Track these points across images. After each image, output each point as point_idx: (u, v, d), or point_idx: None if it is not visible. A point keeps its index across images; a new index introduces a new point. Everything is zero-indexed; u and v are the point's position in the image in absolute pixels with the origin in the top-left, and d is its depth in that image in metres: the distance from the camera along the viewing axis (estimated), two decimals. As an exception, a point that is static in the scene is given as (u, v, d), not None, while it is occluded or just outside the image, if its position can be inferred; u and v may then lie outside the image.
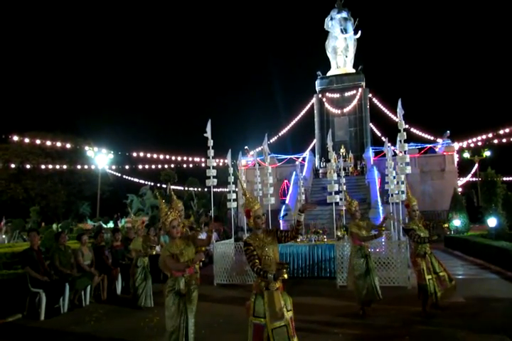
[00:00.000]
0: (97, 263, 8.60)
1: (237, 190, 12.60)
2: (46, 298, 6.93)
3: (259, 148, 23.21)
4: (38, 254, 7.31)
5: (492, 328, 5.59)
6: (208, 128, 10.50)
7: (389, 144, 13.71)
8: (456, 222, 15.75)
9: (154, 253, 8.61)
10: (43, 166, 31.84)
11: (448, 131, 23.93)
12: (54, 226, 24.88)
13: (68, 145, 27.87)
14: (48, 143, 26.42)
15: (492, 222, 12.96)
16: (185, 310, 4.23)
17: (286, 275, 3.68)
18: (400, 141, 9.66)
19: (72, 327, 6.31)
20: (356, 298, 6.46)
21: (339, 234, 10.31)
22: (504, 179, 23.98)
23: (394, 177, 12.03)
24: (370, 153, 24.11)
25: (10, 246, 13.19)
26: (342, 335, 5.44)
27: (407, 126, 13.15)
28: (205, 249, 4.50)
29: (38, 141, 26.17)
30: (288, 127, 30.35)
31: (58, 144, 27.04)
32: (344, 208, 12.73)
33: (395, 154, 13.71)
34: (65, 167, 32.23)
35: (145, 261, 7.84)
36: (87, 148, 33.31)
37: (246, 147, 25.94)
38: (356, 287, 6.40)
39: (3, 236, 20.27)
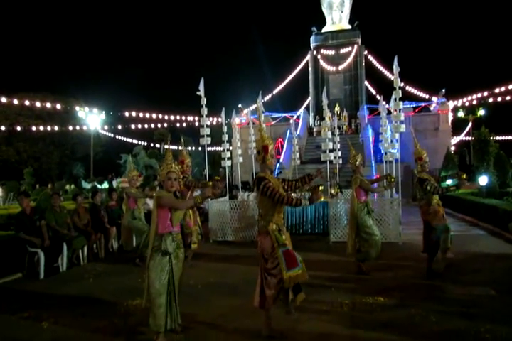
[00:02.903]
0: (94, 222, 8.69)
1: (231, 148, 12.56)
2: (45, 258, 7.03)
3: (253, 107, 22.99)
4: (30, 218, 7.27)
5: (479, 282, 5.78)
6: (201, 87, 10.31)
7: (384, 102, 13.58)
8: (448, 181, 15.92)
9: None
10: (33, 128, 31.41)
11: (443, 90, 23.69)
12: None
13: (58, 106, 27.32)
14: (38, 104, 25.88)
15: (483, 180, 13.12)
16: (171, 272, 3.91)
17: (323, 198, 3.69)
18: (395, 99, 9.55)
19: (72, 284, 6.46)
20: (367, 255, 6.34)
21: (333, 191, 10.40)
22: (497, 138, 24.04)
23: (388, 136, 12.02)
24: (364, 111, 23.96)
25: (5, 208, 13.28)
26: (334, 289, 5.60)
27: (402, 84, 13.00)
28: (210, 184, 4.21)
29: (27, 103, 25.64)
30: (282, 85, 29.91)
31: (48, 105, 26.49)
32: (338, 166, 12.84)
33: (390, 112, 13.63)
34: (56, 128, 31.78)
35: (140, 211, 7.73)
36: (77, 108, 32.75)
37: (240, 105, 25.64)
38: (370, 244, 6.28)
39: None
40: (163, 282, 3.85)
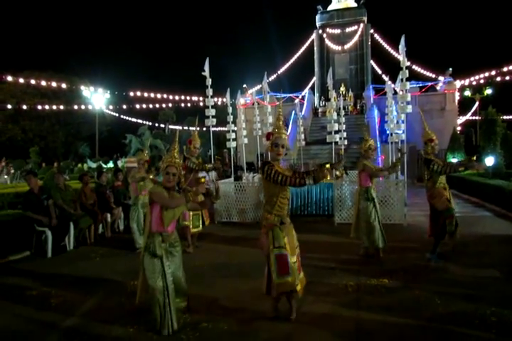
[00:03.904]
0: (100, 202, 8.69)
1: (235, 129, 12.47)
2: (52, 236, 7.09)
3: (258, 87, 22.72)
4: (38, 197, 7.31)
5: (484, 264, 5.75)
6: (206, 67, 10.15)
7: (390, 82, 13.37)
8: (454, 161, 15.79)
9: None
10: (39, 107, 31.34)
11: (450, 69, 23.32)
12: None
13: (64, 85, 27.25)
14: (43, 83, 25.79)
15: (489, 160, 12.97)
16: (164, 274, 3.75)
17: (329, 177, 3.45)
18: (402, 80, 9.37)
19: (79, 263, 6.52)
20: (367, 243, 6.26)
21: (337, 173, 10.32)
22: (504, 117, 23.74)
23: (394, 117, 11.86)
24: (370, 91, 23.66)
25: (13, 186, 13.30)
26: (339, 270, 5.60)
27: (408, 63, 12.74)
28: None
29: (33, 81, 25.57)
30: (287, 65, 29.53)
31: (54, 84, 26.41)
32: (343, 147, 12.73)
33: (396, 92, 13.40)
34: (61, 107, 31.72)
35: (141, 199, 7.37)
36: (83, 87, 32.57)
37: (245, 85, 25.38)
38: (368, 232, 6.19)
39: (6, 176, 20.44)
40: (157, 283, 3.71)
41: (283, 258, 3.79)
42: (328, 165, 3.46)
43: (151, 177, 7.08)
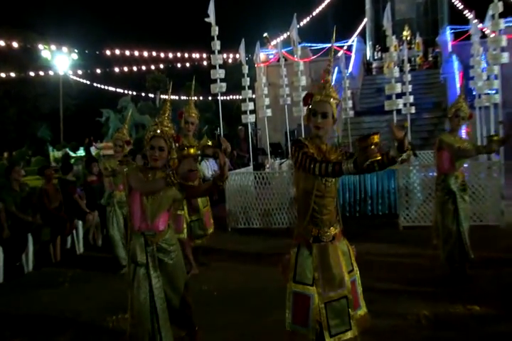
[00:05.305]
0: (68, 205, 8.77)
1: (254, 96, 12.41)
2: (4, 254, 7.18)
3: (285, 36, 22.61)
4: None
5: None
6: (211, 11, 10.11)
7: (475, 21, 13.11)
8: None
9: None
10: (-19, 75, 31.89)
11: None
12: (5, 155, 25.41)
13: (15, 44, 27.53)
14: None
15: None
16: (151, 289, 3.73)
17: (378, 156, 2.83)
18: (493, 17, 9.21)
19: (41, 290, 6.58)
20: (442, 255, 6.09)
21: (404, 155, 10.15)
22: None
23: (483, 70, 11.62)
24: (447, 35, 23.24)
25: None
26: (408, 295, 5.52)
27: (503, -7, 12.39)
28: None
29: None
30: (325, 2, 29.23)
31: (1, 43, 26.74)
32: (409, 117, 12.53)
33: (485, 35, 13.11)
34: (12, 75, 32.15)
35: (117, 196, 7.36)
36: (41, 46, 32.93)
37: (266, 34, 25.29)
38: (444, 238, 6.03)
39: None
40: (142, 303, 3.70)
41: (303, 300, 3.42)
42: (375, 138, 2.83)
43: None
